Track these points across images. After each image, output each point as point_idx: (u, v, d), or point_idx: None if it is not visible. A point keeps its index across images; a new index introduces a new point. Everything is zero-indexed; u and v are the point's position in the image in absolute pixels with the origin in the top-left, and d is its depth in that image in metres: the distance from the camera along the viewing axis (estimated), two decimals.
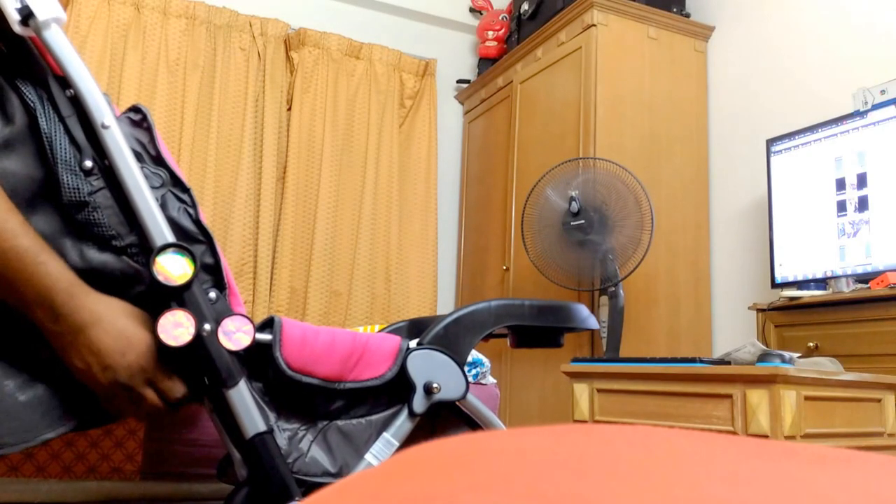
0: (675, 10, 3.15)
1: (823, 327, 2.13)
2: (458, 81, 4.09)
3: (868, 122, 2.20)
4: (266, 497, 0.86)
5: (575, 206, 2.54)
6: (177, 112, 3.36)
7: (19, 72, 0.83)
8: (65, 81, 0.83)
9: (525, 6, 3.55)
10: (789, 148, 2.44)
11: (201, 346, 0.83)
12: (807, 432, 1.53)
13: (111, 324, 0.79)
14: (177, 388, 0.83)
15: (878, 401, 1.70)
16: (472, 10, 4.09)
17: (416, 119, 3.89)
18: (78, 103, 0.83)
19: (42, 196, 0.83)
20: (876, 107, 2.20)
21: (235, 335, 0.85)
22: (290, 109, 3.63)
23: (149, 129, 0.89)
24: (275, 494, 0.85)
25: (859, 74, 2.53)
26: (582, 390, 1.95)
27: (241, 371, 0.86)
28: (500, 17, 3.85)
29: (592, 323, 1.10)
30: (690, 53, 3.17)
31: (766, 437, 1.50)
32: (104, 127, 0.82)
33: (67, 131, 0.82)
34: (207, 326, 0.83)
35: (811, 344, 2.15)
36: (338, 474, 0.91)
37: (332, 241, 3.56)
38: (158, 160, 0.88)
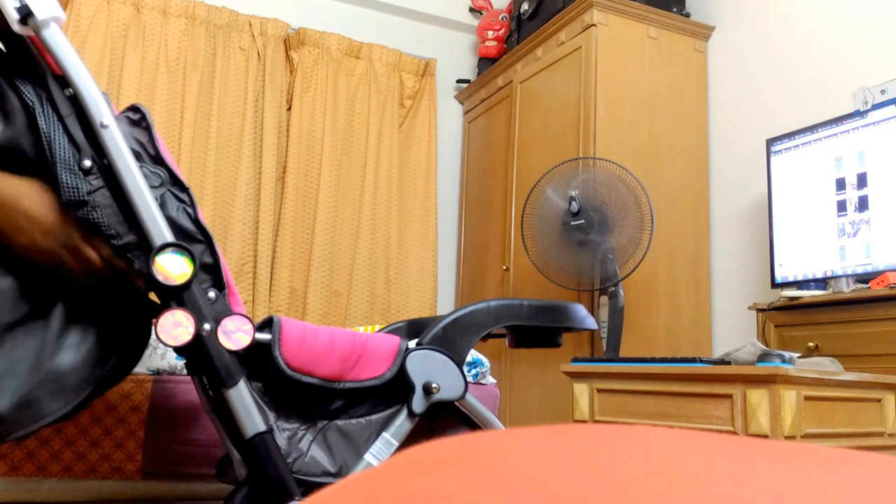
0: (675, 9, 3.15)
1: (823, 327, 2.13)
2: (458, 81, 4.09)
3: (868, 121, 2.20)
4: (266, 497, 0.86)
5: (575, 206, 2.54)
6: (176, 112, 3.36)
7: (18, 71, 0.83)
8: (64, 81, 0.83)
9: (525, 6, 3.55)
10: (789, 148, 2.44)
11: (201, 345, 0.83)
12: (807, 432, 1.53)
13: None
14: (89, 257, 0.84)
15: (878, 401, 1.70)
16: (472, 9, 4.09)
17: (415, 119, 3.89)
18: (77, 102, 0.83)
19: None
20: (876, 107, 2.20)
21: (235, 335, 0.85)
22: (289, 109, 3.63)
23: (148, 129, 0.89)
24: (274, 494, 0.85)
25: (859, 74, 2.53)
26: (582, 390, 1.95)
27: (240, 371, 0.86)
28: (500, 17, 3.85)
29: (590, 323, 1.09)
30: (690, 53, 3.17)
31: (766, 437, 1.50)
32: (103, 126, 0.82)
33: (66, 131, 0.82)
34: (207, 326, 0.83)
35: (811, 344, 2.15)
36: (337, 474, 0.91)
37: (332, 241, 3.56)
38: (157, 159, 0.88)
